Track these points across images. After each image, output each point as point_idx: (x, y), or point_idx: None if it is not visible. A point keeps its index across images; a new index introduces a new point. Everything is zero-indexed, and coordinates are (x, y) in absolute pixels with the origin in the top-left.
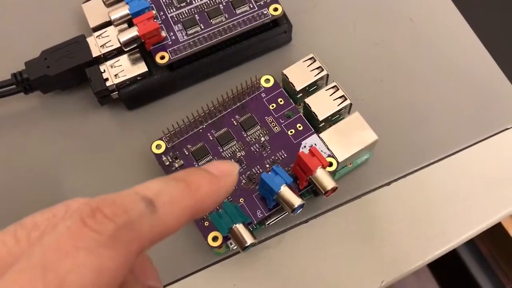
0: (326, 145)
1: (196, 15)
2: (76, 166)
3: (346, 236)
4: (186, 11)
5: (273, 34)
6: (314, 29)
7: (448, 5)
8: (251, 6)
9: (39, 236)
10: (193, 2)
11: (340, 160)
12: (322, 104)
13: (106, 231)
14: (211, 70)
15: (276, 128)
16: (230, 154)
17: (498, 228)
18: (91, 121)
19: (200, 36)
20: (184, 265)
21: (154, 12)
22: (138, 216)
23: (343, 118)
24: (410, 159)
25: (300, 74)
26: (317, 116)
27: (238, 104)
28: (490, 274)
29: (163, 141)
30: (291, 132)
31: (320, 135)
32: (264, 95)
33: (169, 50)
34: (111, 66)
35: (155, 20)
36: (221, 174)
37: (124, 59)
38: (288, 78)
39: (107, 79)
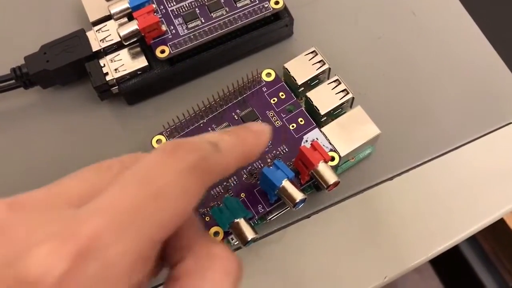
0: (328, 140)
1: (196, 9)
2: (76, 161)
3: (348, 231)
4: (187, 4)
5: (274, 28)
6: (316, 23)
7: None
8: (252, 0)
9: (122, 170)
10: None
11: (342, 154)
12: (324, 98)
13: (189, 162)
14: (212, 64)
15: (278, 123)
16: None
17: (500, 225)
18: (91, 116)
19: (201, 30)
20: None
21: (154, 5)
22: (209, 153)
23: (345, 112)
24: (413, 154)
25: (301, 68)
26: (319, 110)
27: (239, 98)
28: (492, 271)
29: (164, 135)
30: (292, 126)
31: (322, 129)
32: (265, 89)
33: (169, 44)
34: (111, 61)
35: (155, 14)
36: (258, 132)
37: (124, 53)
38: (289, 72)
39: (107, 74)
